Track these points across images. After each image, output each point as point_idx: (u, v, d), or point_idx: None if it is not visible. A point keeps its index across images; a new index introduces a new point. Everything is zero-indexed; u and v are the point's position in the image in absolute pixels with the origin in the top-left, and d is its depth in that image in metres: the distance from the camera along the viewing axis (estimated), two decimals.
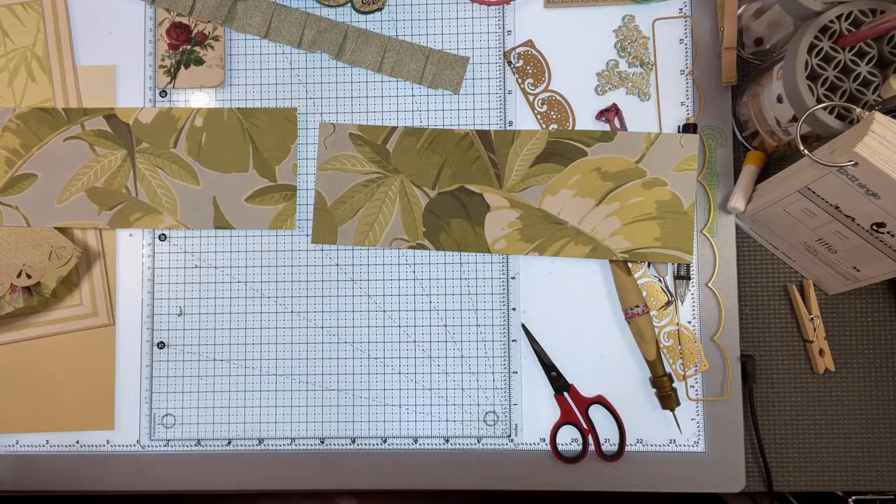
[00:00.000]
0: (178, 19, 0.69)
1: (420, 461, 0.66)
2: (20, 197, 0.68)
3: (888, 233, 0.55)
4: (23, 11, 0.69)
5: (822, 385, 0.67)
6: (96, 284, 0.68)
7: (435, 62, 0.68)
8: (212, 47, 0.69)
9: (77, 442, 0.68)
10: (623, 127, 0.67)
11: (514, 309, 0.67)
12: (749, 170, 0.65)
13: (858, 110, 0.52)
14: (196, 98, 0.69)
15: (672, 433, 0.65)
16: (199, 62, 0.69)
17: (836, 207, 0.56)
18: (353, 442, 0.67)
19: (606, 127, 0.67)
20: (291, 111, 0.68)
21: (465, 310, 0.67)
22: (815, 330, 0.66)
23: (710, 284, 0.66)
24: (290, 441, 0.67)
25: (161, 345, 0.68)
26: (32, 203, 0.68)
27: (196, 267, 0.69)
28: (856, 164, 0.50)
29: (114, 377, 0.68)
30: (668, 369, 0.65)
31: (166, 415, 0.68)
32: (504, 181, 0.66)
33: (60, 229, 0.68)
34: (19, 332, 0.68)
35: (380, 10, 0.69)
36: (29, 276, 0.66)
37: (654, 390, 0.65)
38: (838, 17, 0.54)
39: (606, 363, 0.66)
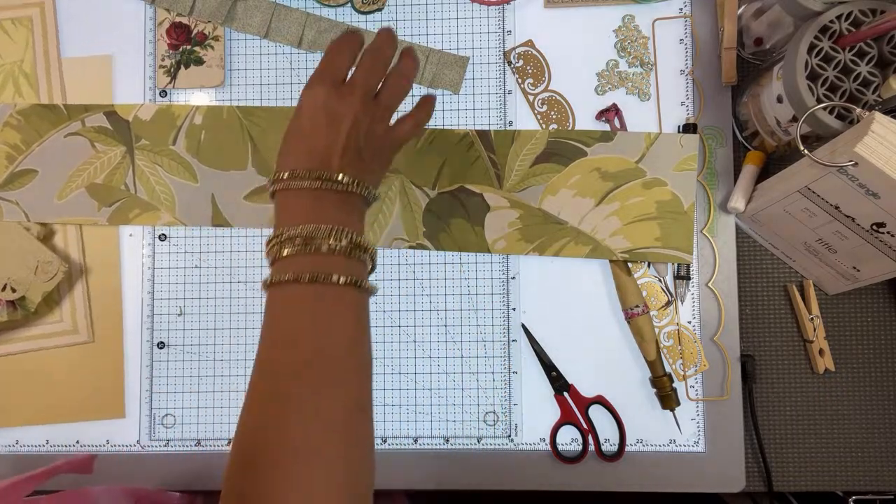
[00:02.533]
0: (178, 19, 0.69)
1: (420, 461, 0.66)
2: (20, 192, 0.68)
3: (888, 233, 0.55)
4: (11, 26, 0.69)
5: (822, 385, 0.67)
6: (77, 301, 0.68)
7: (435, 62, 0.68)
8: (212, 47, 0.69)
9: (77, 442, 0.68)
10: (623, 127, 0.67)
11: (514, 309, 0.67)
12: (749, 170, 0.65)
13: (858, 110, 0.52)
14: (196, 98, 0.69)
15: (672, 433, 0.65)
16: (199, 62, 0.69)
17: (836, 207, 0.56)
18: None
19: (606, 127, 0.67)
20: (291, 110, 0.68)
21: (465, 310, 0.67)
22: (815, 330, 0.66)
23: (710, 284, 0.66)
24: None
25: (161, 345, 0.68)
26: (32, 199, 0.68)
27: (196, 267, 0.68)
28: (856, 164, 0.50)
29: (123, 366, 0.68)
30: (668, 369, 0.65)
31: (166, 415, 0.68)
32: (504, 181, 0.66)
33: (47, 244, 0.67)
34: (4, 347, 0.68)
35: (380, 10, 0.69)
36: (14, 290, 0.65)
37: (654, 390, 0.65)
38: (838, 17, 0.54)
39: (606, 363, 0.66)
